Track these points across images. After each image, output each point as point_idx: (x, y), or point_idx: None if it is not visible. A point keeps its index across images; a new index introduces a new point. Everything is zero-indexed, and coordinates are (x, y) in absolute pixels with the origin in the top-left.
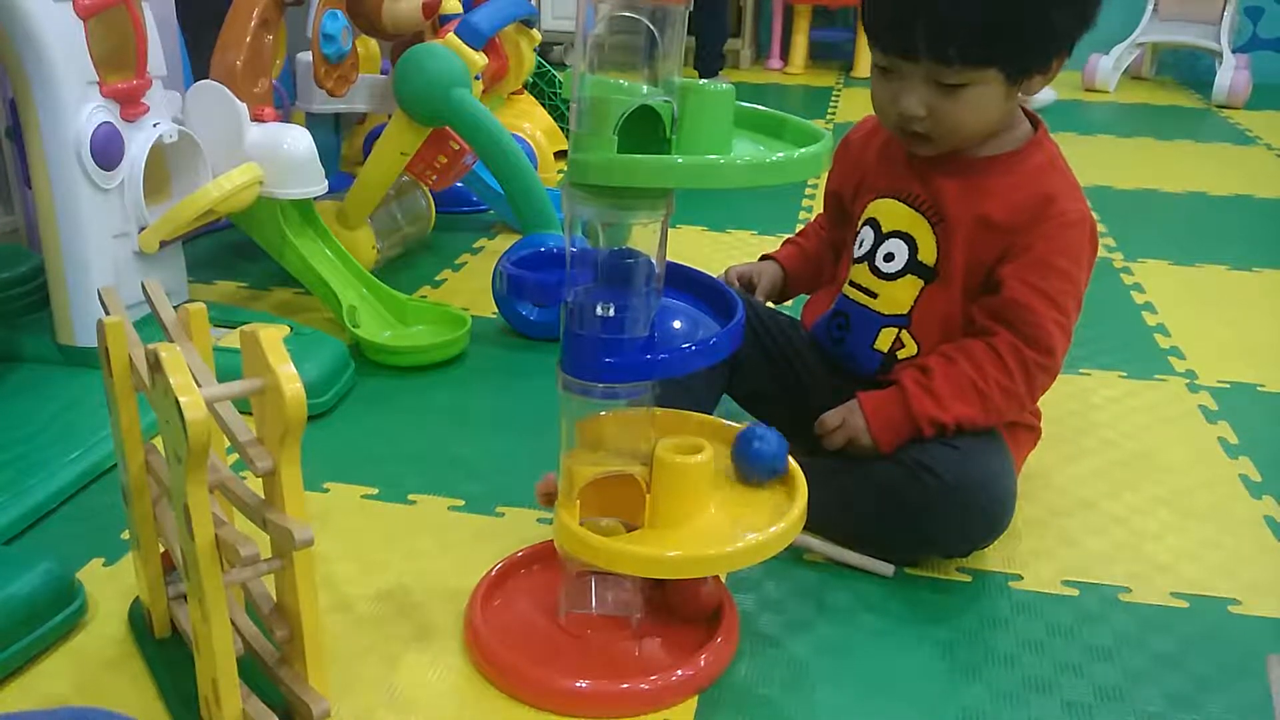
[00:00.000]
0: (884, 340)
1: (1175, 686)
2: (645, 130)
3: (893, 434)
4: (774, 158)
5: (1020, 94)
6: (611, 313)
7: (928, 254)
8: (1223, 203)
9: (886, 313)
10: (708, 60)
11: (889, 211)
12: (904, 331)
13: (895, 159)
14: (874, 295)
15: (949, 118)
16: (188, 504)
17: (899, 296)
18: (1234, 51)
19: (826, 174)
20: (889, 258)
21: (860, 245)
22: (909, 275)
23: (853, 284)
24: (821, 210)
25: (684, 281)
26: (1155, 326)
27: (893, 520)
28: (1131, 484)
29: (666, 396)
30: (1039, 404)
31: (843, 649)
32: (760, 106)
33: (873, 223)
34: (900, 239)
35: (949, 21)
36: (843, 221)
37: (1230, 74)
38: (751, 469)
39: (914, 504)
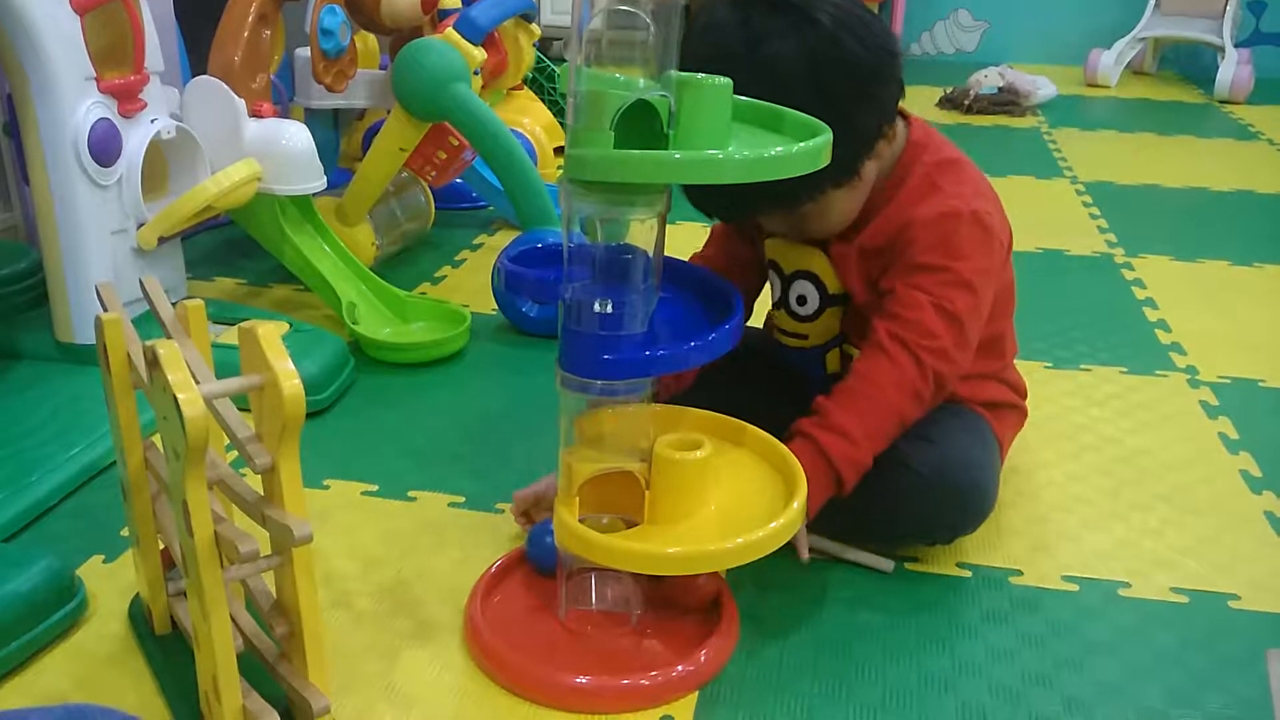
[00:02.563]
0: (832, 361)
1: (1175, 682)
2: (642, 125)
3: (821, 496)
4: (772, 152)
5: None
6: (610, 309)
7: (834, 284)
8: (1224, 198)
9: (823, 343)
10: None
11: (784, 251)
12: (845, 345)
13: None
14: (804, 336)
15: (814, 224)
16: (187, 501)
17: (828, 326)
18: (1236, 46)
19: None
20: (801, 300)
21: (773, 290)
22: (827, 309)
23: (779, 330)
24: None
25: (682, 277)
26: (1156, 322)
27: (874, 514)
28: (1132, 480)
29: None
30: (1024, 382)
31: (843, 645)
32: (758, 100)
33: (774, 265)
34: (805, 279)
35: (773, 199)
36: (743, 238)
37: (1232, 69)
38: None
39: (892, 498)
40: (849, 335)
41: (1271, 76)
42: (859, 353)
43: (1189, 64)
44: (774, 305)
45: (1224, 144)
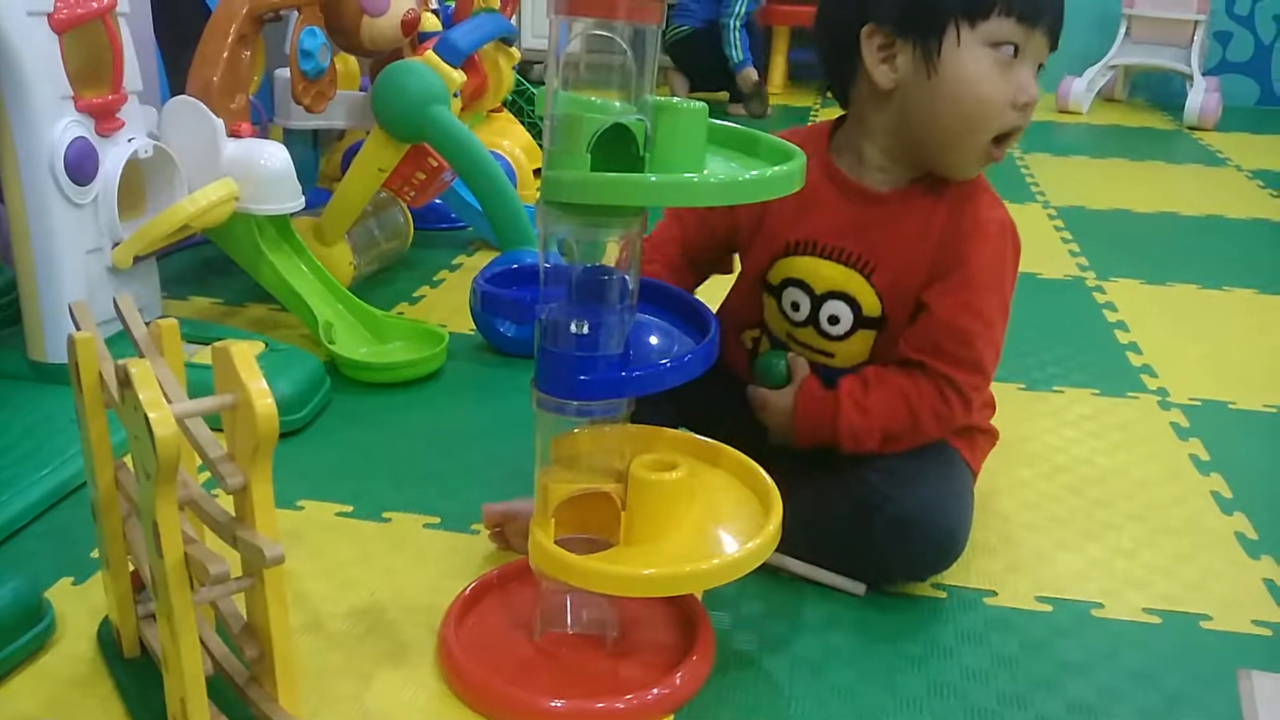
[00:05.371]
0: None
1: (1148, 702)
2: (619, 148)
3: (812, 435)
4: (748, 175)
5: None
6: (585, 330)
7: (872, 308)
8: (1194, 222)
9: (847, 366)
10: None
11: (816, 272)
12: (867, 369)
13: (817, 203)
14: (830, 355)
15: (1032, 113)
16: (157, 521)
17: (855, 350)
18: (1204, 74)
19: None
20: (834, 320)
21: (796, 309)
22: (859, 331)
23: (800, 343)
24: (666, 231)
25: (658, 298)
26: (1127, 345)
27: (848, 550)
28: (1104, 501)
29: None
30: (994, 404)
31: (818, 666)
32: (734, 124)
33: (802, 285)
34: (839, 299)
35: None
36: (712, 244)
37: (1201, 96)
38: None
39: (863, 540)
40: (873, 363)
41: (1239, 104)
42: (906, 370)
43: (1159, 91)
44: (798, 324)
45: (1193, 169)
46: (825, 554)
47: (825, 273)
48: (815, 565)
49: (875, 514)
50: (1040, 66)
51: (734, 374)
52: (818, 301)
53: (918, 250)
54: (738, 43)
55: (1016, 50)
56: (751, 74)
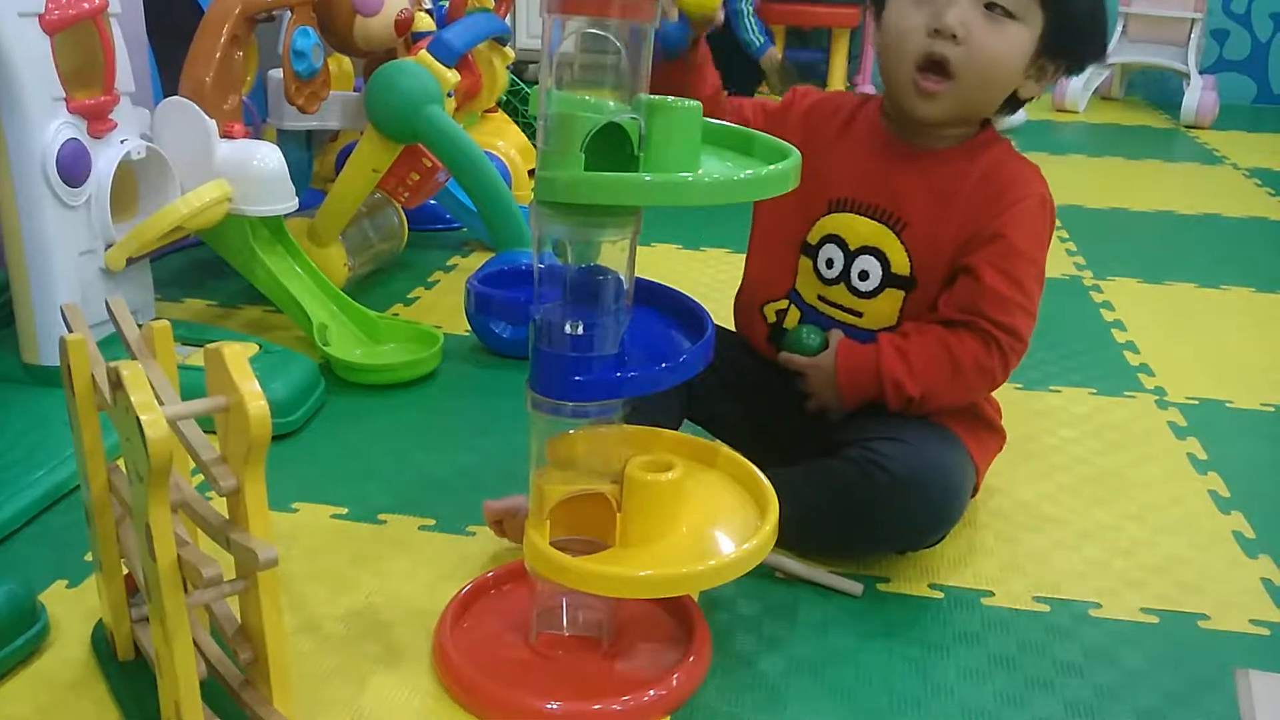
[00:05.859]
0: None
1: (1145, 702)
2: (613, 147)
3: (856, 387)
4: (743, 175)
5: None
6: (580, 330)
7: (901, 265)
8: (1191, 221)
9: (875, 328)
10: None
11: (851, 227)
12: (906, 324)
13: (855, 157)
14: (859, 314)
15: (984, 49)
16: (149, 524)
17: (884, 310)
18: (1201, 73)
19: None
20: (864, 275)
21: (830, 265)
22: (888, 289)
23: (830, 303)
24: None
25: (653, 298)
26: (1124, 344)
27: (846, 519)
28: (1101, 500)
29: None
30: (999, 403)
31: (815, 667)
32: (729, 123)
33: (837, 240)
34: (870, 254)
35: None
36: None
37: (1198, 95)
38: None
39: (864, 500)
40: (901, 329)
41: (1235, 102)
42: (945, 326)
43: (1155, 90)
44: (829, 281)
45: (1190, 168)
46: (824, 527)
47: (860, 228)
48: (812, 560)
49: (876, 472)
50: (1005, 12)
51: (751, 349)
52: (851, 257)
53: (947, 210)
54: (754, 26)
55: None
56: (775, 54)
